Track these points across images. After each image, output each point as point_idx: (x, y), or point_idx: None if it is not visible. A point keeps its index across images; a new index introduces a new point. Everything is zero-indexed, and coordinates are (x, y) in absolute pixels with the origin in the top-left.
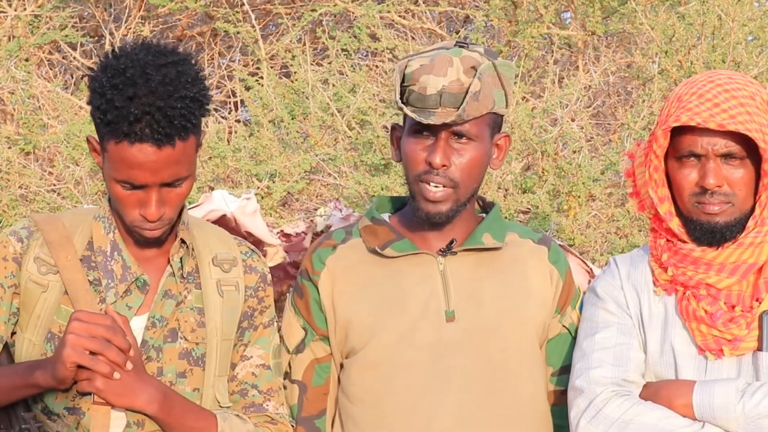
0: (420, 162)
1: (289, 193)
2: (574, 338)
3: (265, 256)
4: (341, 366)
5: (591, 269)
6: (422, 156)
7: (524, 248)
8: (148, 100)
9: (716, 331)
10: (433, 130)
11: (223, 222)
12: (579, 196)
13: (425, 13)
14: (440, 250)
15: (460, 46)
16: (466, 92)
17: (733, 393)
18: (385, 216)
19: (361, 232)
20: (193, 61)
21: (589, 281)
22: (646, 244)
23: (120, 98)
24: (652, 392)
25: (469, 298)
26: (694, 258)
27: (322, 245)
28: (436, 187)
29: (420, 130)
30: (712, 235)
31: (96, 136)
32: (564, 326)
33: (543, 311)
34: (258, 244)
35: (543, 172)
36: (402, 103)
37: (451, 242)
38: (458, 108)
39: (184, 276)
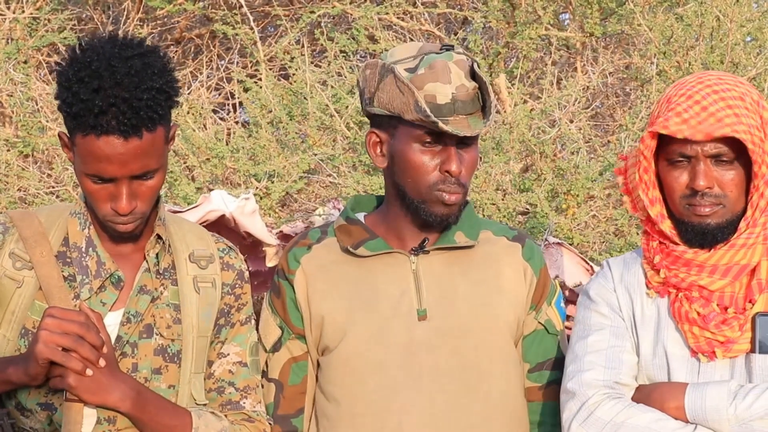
0: (432, 171)
1: (287, 193)
2: (551, 334)
3: (264, 256)
4: (318, 364)
5: (592, 267)
6: (433, 165)
7: (498, 246)
8: (113, 92)
9: (709, 333)
10: (442, 137)
11: (222, 222)
12: (577, 195)
13: (423, 14)
14: (412, 249)
15: (447, 49)
16: (479, 98)
17: (725, 395)
18: (361, 215)
19: (335, 231)
20: (161, 53)
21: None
22: (640, 247)
23: (86, 91)
24: (644, 395)
25: (441, 297)
26: (687, 260)
27: (297, 244)
28: (451, 194)
29: (431, 139)
30: (704, 236)
31: (66, 132)
32: (540, 323)
33: (516, 309)
34: (257, 244)
35: (541, 173)
36: (417, 113)
37: (424, 241)
38: (470, 114)
39: (160, 272)
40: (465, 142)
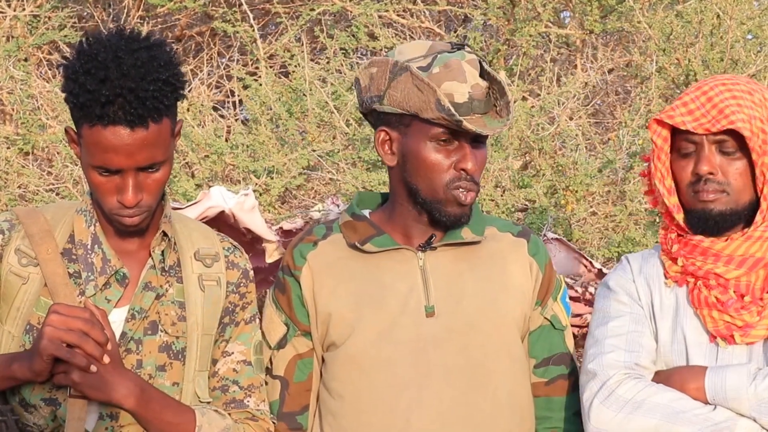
0: (447, 169)
1: (287, 189)
2: (557, 330)
3: (263, 252)
4: (323, 360)
5: (591, 263)
6: (448, 163)
7: (503, 242)
8: (120, 82)
9: (728, 317)
10: (458, 135)
11: (221, 218)
12: (576, 192)
13: (423, 12)
14: (420, 246)
15: (458, 48)
16: (490, 97)
17: (745, 376)
18: (366, 212)
19: (341, 227)
20: (167, 47)
21: (586, 273)
22: (657, 245)
23: (92, 82)
24: (664, 377)
25: (449, 294)
26: (704, 248)
27: (303, 241)
28: (466, 191)
29: (448, 136)
30: (707, 222)
31: (73, 127)
32: (546, 318)
33: (523, 304)
34: (256, 240)
35: (540, 170)
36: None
37: (431, 237)
38: (485, 113)
39: (165, 269)
40: (477, 141)
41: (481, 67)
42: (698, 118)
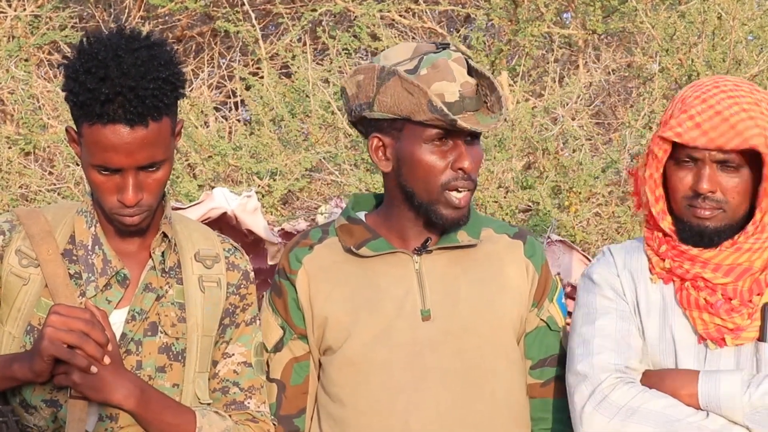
0: (443, 170)
1: (289, 191)
2: (553, 331)
3: (265, 254)
4: (320, 364)
5: None
6: (444, 164)
7: (500, 244)
8: (120, 81)
9: (718, 320)
10: (452, 135)
11: (223, 220)
12: (580, 193)
13: (425, 12)
14: (415, 249)
15: (443, 48)
16: (480, 92)
17: (739, 383)
18: (361, 215)
19: (337, 231)
20: (167, 46)
21: None
22: (640, 236)
23: (92, 80)
24: (655, 380)
25: (444, 297)
26: (691, 255)
27: (299, 244)
28: (460, 192)
29: (442, 137)
30: (701, 237)
31: (74, 126)
32: (542, 320)
33: (519, 306)
34: (259, 242)
35: (544, 170)
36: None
37: (426, 241)
38: (476, 110)
39: (166, 270)
40: (471, 138)
41: (468, 64)
42: (707, 131)
